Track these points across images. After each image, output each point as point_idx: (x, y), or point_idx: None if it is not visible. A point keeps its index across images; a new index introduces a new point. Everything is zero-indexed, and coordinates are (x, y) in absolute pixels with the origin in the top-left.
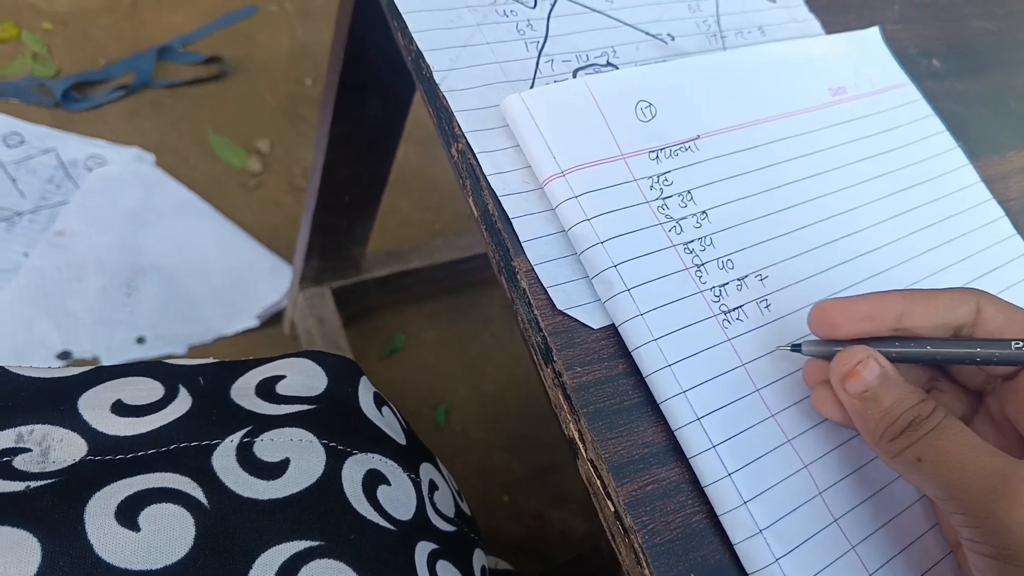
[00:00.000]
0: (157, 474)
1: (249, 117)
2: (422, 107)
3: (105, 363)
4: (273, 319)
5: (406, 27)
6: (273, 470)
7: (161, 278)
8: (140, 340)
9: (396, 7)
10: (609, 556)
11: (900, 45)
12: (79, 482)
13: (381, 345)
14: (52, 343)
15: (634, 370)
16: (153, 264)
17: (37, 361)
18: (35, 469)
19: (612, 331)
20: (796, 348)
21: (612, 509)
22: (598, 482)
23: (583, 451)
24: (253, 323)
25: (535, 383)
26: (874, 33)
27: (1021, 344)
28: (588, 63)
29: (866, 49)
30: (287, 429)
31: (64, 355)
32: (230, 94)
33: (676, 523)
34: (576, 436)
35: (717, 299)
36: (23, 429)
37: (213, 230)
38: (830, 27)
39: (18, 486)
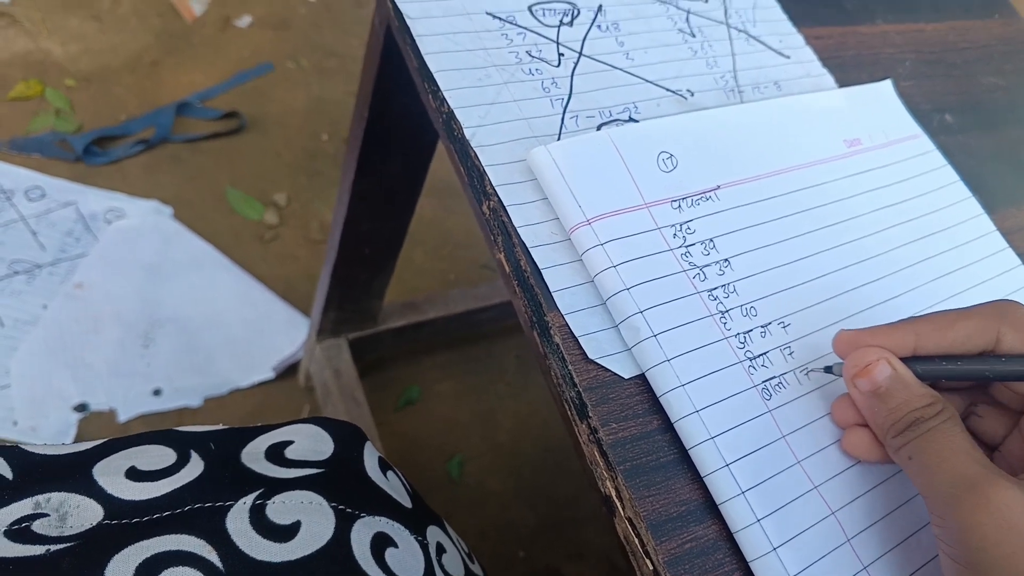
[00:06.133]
0: (173, 535)
1: (266, 171)
2: (438, 161)
3: (121, 415)
4: (288, 371)
5: (437, 87)
6: (285, 533)
7: (178, 330)
8: (156, 392)
9: (428, 68)
10: None
11: (912, 101)
12: (97, 546)
13: (395, 396)
14: (69, 395)
15: (669, 426)
16: (170, 316)
17: (54, 412)
18: (54, 533)
19: (645, 387)
20: (828, 370)
21: (651, 568)
22: (636, 540)
23: (620, 509)
24: (269, 375)
25: (551, 434)
26: (887, 86)
27: None
28: (611, 119)
29: (879, 101)
30: (297, 492)
31: (81, 407)
32: (247, 149)
33: None
34: (613, 493)
35: (742, 345)
36: (40, 497)
37: (230, 282)
38: (843, 83)
39: (38, 550)
